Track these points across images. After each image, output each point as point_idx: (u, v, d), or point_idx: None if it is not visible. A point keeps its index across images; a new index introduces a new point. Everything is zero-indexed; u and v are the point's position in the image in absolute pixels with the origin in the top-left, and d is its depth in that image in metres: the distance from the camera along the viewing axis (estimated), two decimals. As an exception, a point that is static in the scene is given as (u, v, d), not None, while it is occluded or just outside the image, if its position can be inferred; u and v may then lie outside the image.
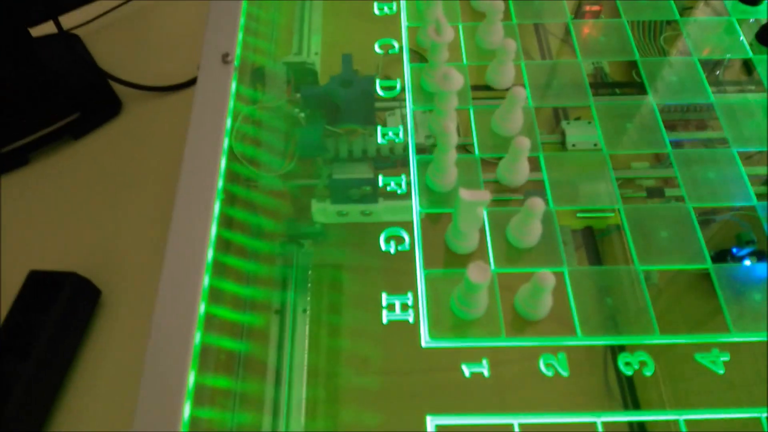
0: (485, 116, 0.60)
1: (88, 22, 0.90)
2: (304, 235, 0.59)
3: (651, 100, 0.62)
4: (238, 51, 0.58)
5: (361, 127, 0.57)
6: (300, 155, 0.58)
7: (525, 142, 0.52)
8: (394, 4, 0.68)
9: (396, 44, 0.65)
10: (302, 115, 0.58)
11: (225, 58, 0.56)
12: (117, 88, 0.82)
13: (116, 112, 0.82)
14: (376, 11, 0.68)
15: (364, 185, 0.58)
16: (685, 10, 0.70)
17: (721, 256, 0.53)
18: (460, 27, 0.68)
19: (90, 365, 0.63)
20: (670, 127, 0.60)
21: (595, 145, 0.59)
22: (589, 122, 0.60)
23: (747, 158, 0.58)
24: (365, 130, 0.58)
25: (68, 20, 0.88)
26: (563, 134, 0.60)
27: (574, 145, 0.59)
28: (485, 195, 0.48)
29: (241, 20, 0.60)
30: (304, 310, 0.55)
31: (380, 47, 0.66)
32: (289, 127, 0.59)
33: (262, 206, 0.58)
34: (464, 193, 0.48)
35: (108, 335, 0.65)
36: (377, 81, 0.62)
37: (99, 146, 0.80)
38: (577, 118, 0.61)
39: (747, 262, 0.52)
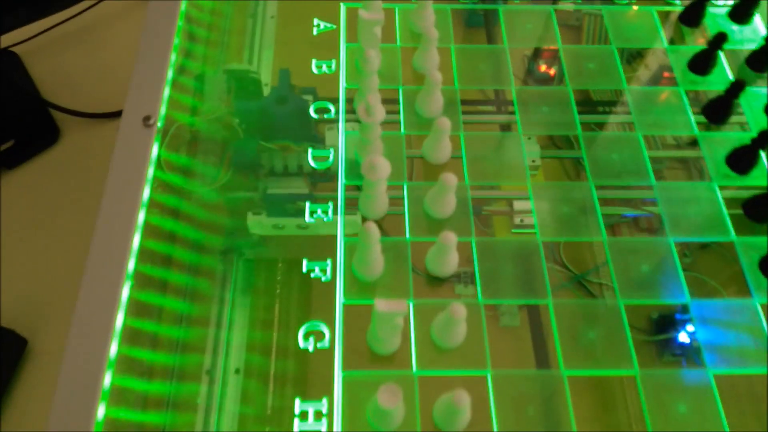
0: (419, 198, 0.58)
1: (27, 39, 0.87)
2: (241, 247, 0.59)
3: (590, 182, 0.60)
4: (163, 110, 0.55)
5: (295, 144, 0.59)
6: (235, 169, 0.59)
7: (451, 238, 0.51)
8: (333, 62, 0.65)
9: (332, 108, 0.62)
10: (243, 126, 0.60)
11: (146, 122, 0.53)
12: (55, 113, 0.81)
13: (54, 140, 0.80)
14: (314, 69, 0.65)
15: (299, 200, 0.59)
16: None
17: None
18: (401, 90, 0.64)
19: (15, 418, 0.61)
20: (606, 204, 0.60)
21: (533, 161, 0.61)
22: (529, 138, 0.63)
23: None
24: (299, 146, 0.59)
25: (6, 37, 0.86)
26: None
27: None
28: (402, 306, 0.47)
29: (168, 75, 0.57)
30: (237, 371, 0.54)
31: (315, 111, 0.62)
32: (228, 138, 0.60)
33: (196, 218, 0.59)
34: (380, 304, 0.47)
35: (36, 385, 0.63)
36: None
37: (33, 178, 0.77)
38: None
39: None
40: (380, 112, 0.58)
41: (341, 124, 0.61)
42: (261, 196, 0.59)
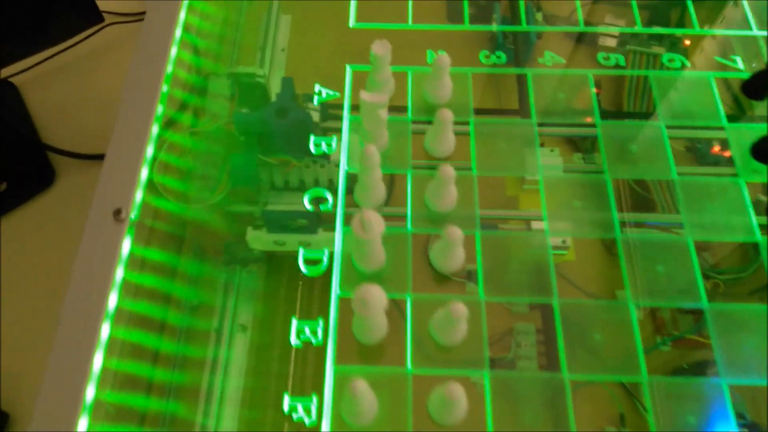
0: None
1: (25, 69, 0.84)
2: (243, 260, 0.56)
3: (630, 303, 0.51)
4: (140, 197, 0.49)
5: (295, 159, 0.57)
6: (233, 185, 0.56)
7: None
8: (334, 140, 0.58)
9: (330, 198, 0.55)
10: (242, 139, 0.57)
11: (117, 216, 0.47)
12: (51, 154, 0.78)
13: (49, 183, 0.77)
14: (312, 148, 0.57)
15: (300, 217, 0.56)
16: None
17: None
18: (409, 175, 0.56)
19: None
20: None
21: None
22: (552, 149, 0.60)
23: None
24: (300, 162, 0.57)
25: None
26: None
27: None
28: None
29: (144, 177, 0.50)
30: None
31: (310, 201, 0.56)
32: (227, 150, 0.58)
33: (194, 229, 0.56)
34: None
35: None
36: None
37: (26, 225, 0.74)
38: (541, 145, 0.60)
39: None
40: (378, 225, 0.48)
41: (339, 220, 0.54)
42: (260, 211, 0.56)
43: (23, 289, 0.69)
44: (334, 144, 0.57)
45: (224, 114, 0.59)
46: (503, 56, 0.64)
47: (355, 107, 0.59)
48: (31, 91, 0.84)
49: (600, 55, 0.63)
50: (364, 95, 0.53)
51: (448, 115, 0.53)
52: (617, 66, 0.63)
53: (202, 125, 0.57)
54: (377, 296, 0.44)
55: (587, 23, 0.67)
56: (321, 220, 0.57)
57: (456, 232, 0.48)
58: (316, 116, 0.59)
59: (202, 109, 0.59)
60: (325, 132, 0.60)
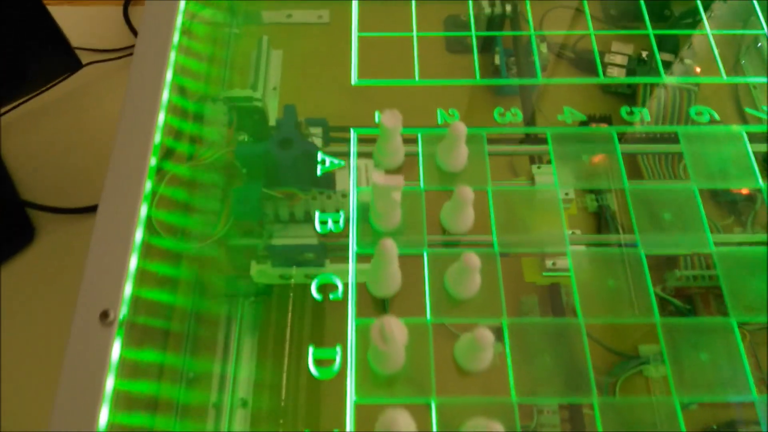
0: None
1: (3, 113, 0.80)
2: (246, 294, 0.52)
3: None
4: (128, 294, 0.42)
5: (301, 192, 0.54)
6: (235, 219, 0.53)
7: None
8: (341, 215, 0.53)
9: (339, 285, 0.50)
10: (244, 170, 0.55)
11: (104, 319, 0.41)
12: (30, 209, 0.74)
13: (29, 240, 0.72)
14: (318, 226, 0.53)
15: (307, 252, 0.54)
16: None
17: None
18: (425, 256, 0.50)
19: None
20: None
21: (567, 194, 0.56)
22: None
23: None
24: (306, 194, 0.54)
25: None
26: (533, 180, 0.57)
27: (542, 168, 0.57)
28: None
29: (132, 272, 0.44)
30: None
31: (318, 289, 0.50)
32: (228, 181, 0.55)
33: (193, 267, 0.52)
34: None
35: None
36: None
37: (5, 285, 0.69)
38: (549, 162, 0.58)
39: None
40: (401, 335, 0.43)
41: (351, 314, 0.49)
42: (265, 245, 0.53)
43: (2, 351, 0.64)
44: (341, 221, 0.53)
45: (223, 142, 0.56)
46: (519, 114, 0.59)
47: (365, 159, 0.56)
48: (6, 139, 0.80)
49: (623, 110, 0.59)
50: (378, 178, 0.48)
51: (468, 194, 0.49)
52: (642, 121, 0.59)
53: (201, 156, 0.55)
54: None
55: (591, 52, 0.66)
56: (327, 252, 0.54)
57: (487, 337, 0.43)
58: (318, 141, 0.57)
59: (199, 138, 0.56)
60: (323, 160, 0.58)
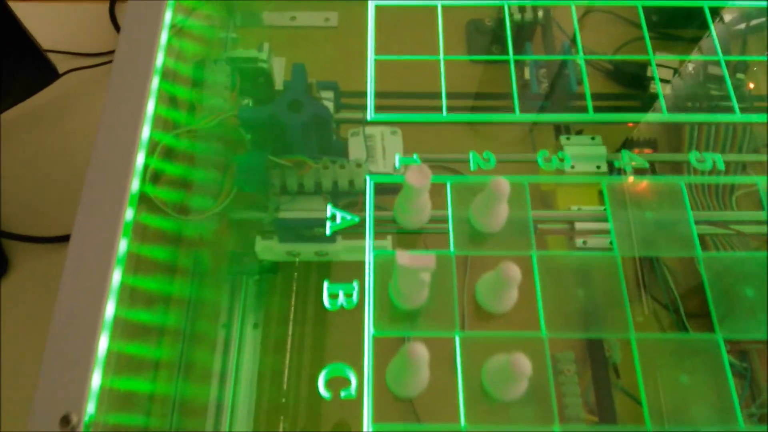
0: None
1: None
2: (249, 272, 0.48)
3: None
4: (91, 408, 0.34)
5: (312, 160, 0.49)
6: (239, 190, 0.49)
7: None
8: (355, 286, 0.44)
9: (353, 379, 0.41)
10: (248, 136, 0.50)
11: (64, 425, 0.33)
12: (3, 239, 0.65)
13: (2, 272, 0.64)
14: (326, 302, 0.43)
15: (316, 226, 0.49)
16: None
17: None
18: (458, 340, 0.42)
19: None
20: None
21: (598, 167, 0.51)
22: (593, 137, 0.53)
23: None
24: (318, 162, 0.49)
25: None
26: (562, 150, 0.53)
27: (573, 167, 0.51)
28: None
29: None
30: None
31: (326, 386, 0.42)
32: (230, 149, 0.50)
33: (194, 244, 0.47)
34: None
35: None
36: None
37: None
38: (579, 132, 0.54)
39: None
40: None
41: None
42: (271, 218, 0.49)
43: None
44: (355, 294, 0.43)
45: (224, 107, 0.51)
46: (568, 158, 0.50)
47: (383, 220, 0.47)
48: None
49: (692, 155, 0.50)
50: (403, 258, 0.40)
51: (514, 273, 0.40)
52: (715, 170, 0.49)
53: (200, 121, 0.49)
54: None
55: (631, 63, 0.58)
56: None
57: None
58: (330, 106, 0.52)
59: (199, 103, 0.51)
60: (339, 125, 0.52)
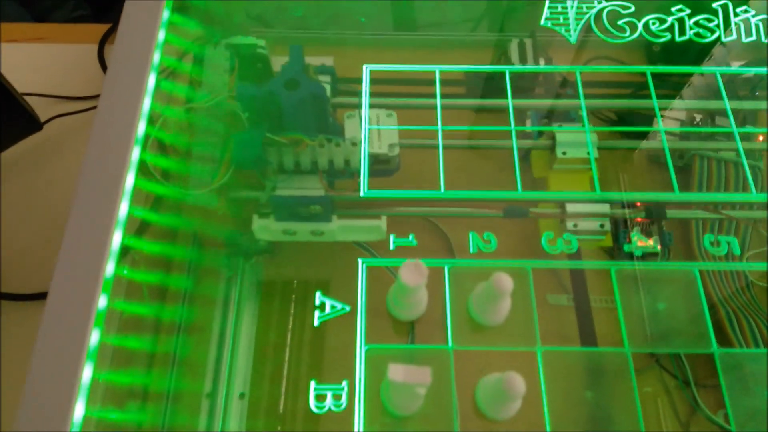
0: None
1: None
2: (247, 252, 0.48)
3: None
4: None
5: (308, 138, 0.49)
6: (236, 167, 0.49)
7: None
8: (344, 386, 0.42)
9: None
10: (246, 115, 0.50)
11: None
12: None
13: None
14: (313, 406, 0.41)
15: (313, 203, 0.49)
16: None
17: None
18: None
19: None
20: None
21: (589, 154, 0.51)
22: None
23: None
24: (314, 140, 0.49)
25: None
26: (553, 139, 0.52)
27: (564, 153, 0.52)
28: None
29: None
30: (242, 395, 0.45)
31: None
32: (228, 130, 0.50)
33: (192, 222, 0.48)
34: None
35: None
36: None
37: None
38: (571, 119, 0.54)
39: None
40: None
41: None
42: (268, 197, 0.49)
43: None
44: (344, 396, 0.41)
45: (223, 88, 0.51)
46: (574, 241, 0.47)
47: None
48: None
49: (707, 239, 0.48)
50: (396, 373, 0.38)
51: (519, 386, 0.38)
52: (730, 255, 0.47)
53: (199, 99, 0.49)
54: None
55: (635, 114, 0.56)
56: (335, 206, 0.49)
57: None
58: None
59: (198, 83, 0.51)
60: (335, 110, 0.52)
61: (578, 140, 0.52)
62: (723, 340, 0.45)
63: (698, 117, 0.56)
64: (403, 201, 0.50)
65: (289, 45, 0.49)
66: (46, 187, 0.65)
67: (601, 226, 0.50)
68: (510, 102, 0.51)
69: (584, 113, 0.51)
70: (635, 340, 0.43)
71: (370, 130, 0.51)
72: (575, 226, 0.51)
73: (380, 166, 0.51)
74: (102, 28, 0.77)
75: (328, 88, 0.52)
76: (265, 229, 0.48)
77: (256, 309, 0.49)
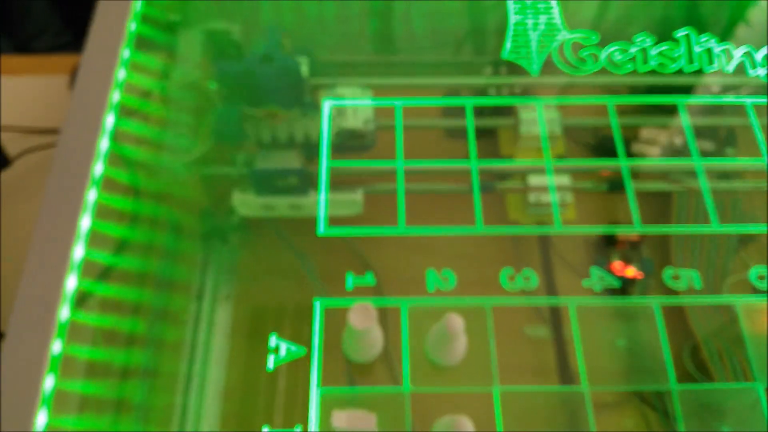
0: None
1: None
2: (221, 231, 0.48)
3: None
4: None
5: (283, 110, 0.49)
6: (216, 140, 0.49)
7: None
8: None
9: None
10: (223, 92, 0.50)
11: None
12: None
13: None
14: None
15: (291, 176, 0.49)
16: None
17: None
18: None
19: None
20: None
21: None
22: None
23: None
24: (288, 112, 0.50)
25: None
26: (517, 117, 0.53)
27: (528, 131, 0.52)
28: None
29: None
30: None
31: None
32: (204, 106, 0.50)
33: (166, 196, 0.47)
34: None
35: None
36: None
37: None
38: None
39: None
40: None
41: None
42: (244, 171, 0.49)
43: None
44: None
45: (197, 72, 0.51)
46: (534, 277, 0.45)
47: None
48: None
49: (667, 272, 0.46)
50: (340, 420, 0.37)
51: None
52: (690, 289, 0.45)
53: (174, 78, 0.49)
54: None
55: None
56: (312, 181, 0.49)
57: None
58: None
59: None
60: (313, 91, 0.52)
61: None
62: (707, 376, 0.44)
63: (678, 140, 0.53)
64: (379, 176, 0.50)
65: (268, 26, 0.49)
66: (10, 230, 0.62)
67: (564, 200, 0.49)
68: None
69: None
70: (600, 375, 0.42)
71: (345, 105, 0.51)
72: (538, 199, 0.50)
73: (355, 141, 0.51)
74: (75, 58, 0.73)
75: (305, 66, 0.53)
76: (246, 203, 0.48)
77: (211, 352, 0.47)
